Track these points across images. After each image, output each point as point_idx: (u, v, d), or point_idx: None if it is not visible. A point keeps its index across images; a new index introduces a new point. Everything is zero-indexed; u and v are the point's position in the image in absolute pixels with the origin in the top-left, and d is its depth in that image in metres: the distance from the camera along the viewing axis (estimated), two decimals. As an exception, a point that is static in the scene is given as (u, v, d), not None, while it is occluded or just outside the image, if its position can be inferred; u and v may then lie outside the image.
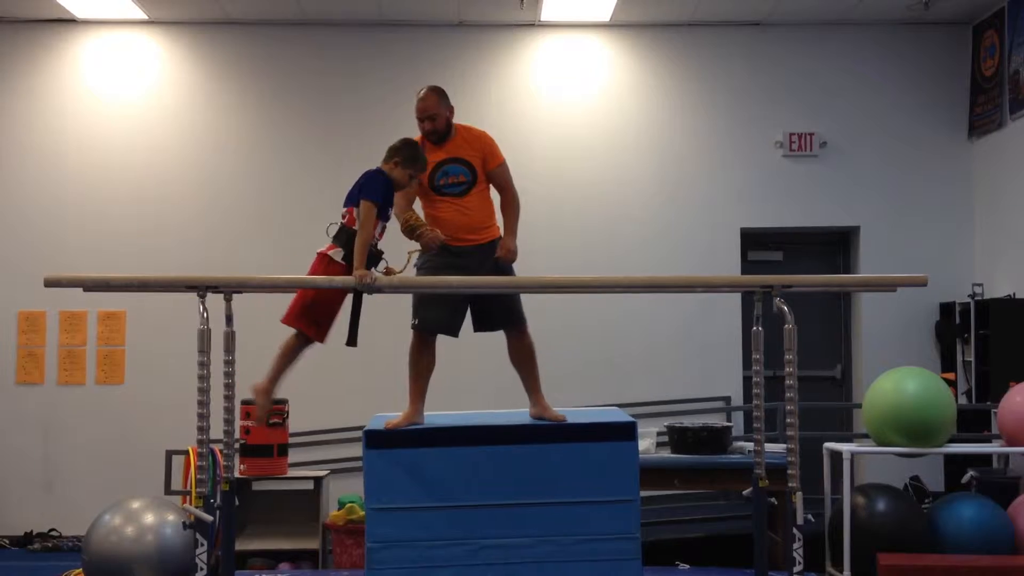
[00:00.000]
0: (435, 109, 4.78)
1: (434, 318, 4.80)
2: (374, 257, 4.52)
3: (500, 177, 4.91)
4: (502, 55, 8.51)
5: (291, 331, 4.62)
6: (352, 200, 4.55)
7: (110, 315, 8.25)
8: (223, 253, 8.16)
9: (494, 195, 4.95)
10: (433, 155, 4.79)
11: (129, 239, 8.24)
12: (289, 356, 4.63)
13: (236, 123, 8.46)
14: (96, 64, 8.45)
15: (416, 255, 4.74)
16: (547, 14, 8.26)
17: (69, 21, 8.38)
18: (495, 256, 4.82)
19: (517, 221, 4.93)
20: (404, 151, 4.61)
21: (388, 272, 4.53)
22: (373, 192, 4.50)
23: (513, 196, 4.95)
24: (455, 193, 4.80)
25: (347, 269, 4.48)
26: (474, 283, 4.68)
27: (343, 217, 4.56)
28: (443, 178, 4.80)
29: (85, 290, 4.76)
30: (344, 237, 4.51)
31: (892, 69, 8.55)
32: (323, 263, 4.54)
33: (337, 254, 4.52)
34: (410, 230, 4.68)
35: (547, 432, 4.70)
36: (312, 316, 4.59)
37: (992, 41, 8.15)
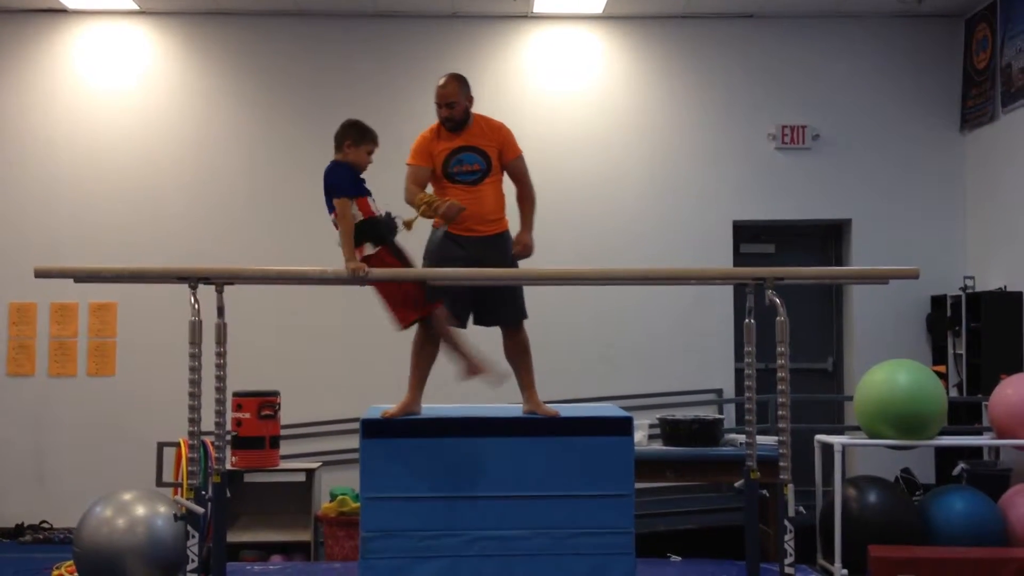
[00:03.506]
0: (455, 97, 4.78)
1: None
2: (390, 225, 4.56)
3: (517, 169, 4.94)
4: (495, 47, 8.49)
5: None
6: (330, 205, 4.59)
7: (101, 306, 8.23)
8: (214, 244, 8.14)
9: (507, 187, 4.94)
10: (449, 142, 4.80)
11: (120, 230, 8.20)
12: (428, 350, 4.71)
13: (228, 114, 8.43)
14: (87, 55, 8.41)
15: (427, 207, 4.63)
16: (540, 6, 8.25)
17: (60, 11, 8.34)
18: (512, 252, 4.83)
19: (533, 215, 4.97)
20: (351, 132, 4.67)
21: (407, 225, 4.55)
22: (340, 189, 4.56)
23: (529, 189, 4.98)
24: (468, 181, 4.79)
25: (389, 251, 4.55)
26: (469, 274, 4.67)
27: (335, 226, 4.58)
28: (457, 165, 4.79)
29: (76, 281, 4.77)
30: (359, 235, 4.53)
31: (885, 62, 8.55)
32: (376, 264, 4.55)
33: (370, 249, 4.55)
34: (428, 206, 4.61)
35: (544, 425, 4.71)
36: (411, 302, 4.59)
37: (984, 34, 8.16)
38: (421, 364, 4.82)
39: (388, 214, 4.60)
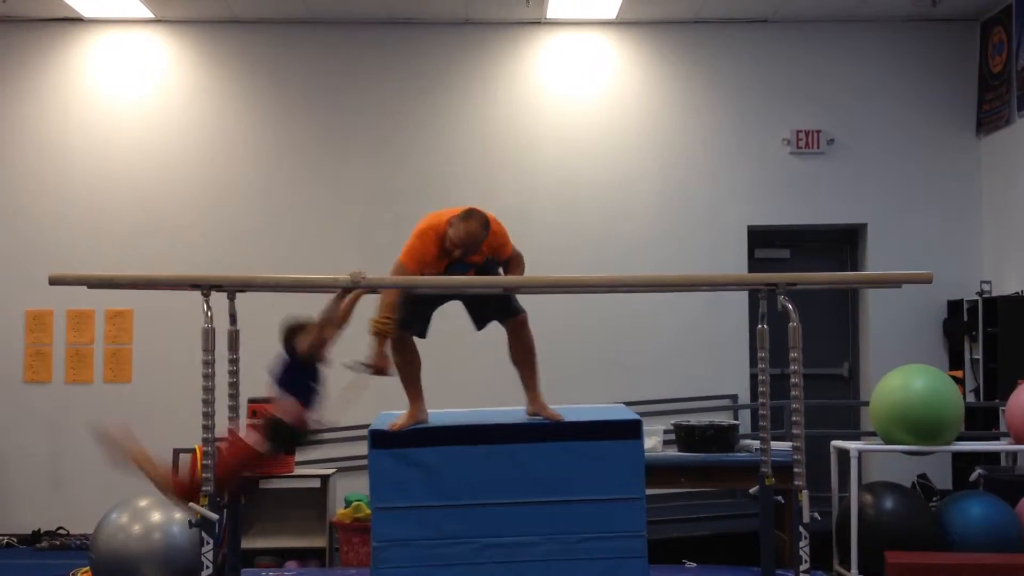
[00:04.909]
0: (473, 248, 4.60)
1: (402, 318, 4.69)
2: (301, 438, 4.53)
3: (510, 267, 4.84)
4: (508, 53, 8.49)
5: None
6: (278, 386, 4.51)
7: (117, 314, 8.26)
8: (228, 252, 8.16)
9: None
10: (447, 259, 4.67)
11: (135, 238, 8.25)
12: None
13: (242, 122, 8.46)
14: (103, 63, 8.46)
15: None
16: (553, 12, 8.25)
17: (76, 20, 8.39)
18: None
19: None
20: (269, 430, 4.47)
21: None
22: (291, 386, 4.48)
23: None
24: None
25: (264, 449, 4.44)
26: (474, 282, 4.66)
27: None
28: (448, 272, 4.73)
29: (90, 288, 4.78)
30: (273, 432, 4.47)
31: (899, 66, 8.52)
32: (240, 442, 4.48)
33: (261, 445, 4.46)
34: (377, 333, 4.50)
35: (553, 430, 4.69)
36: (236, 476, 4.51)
37: (1000, 38, 8.12)
38: (409, 374, 4.80)
39: (313, 435, 4.56)
